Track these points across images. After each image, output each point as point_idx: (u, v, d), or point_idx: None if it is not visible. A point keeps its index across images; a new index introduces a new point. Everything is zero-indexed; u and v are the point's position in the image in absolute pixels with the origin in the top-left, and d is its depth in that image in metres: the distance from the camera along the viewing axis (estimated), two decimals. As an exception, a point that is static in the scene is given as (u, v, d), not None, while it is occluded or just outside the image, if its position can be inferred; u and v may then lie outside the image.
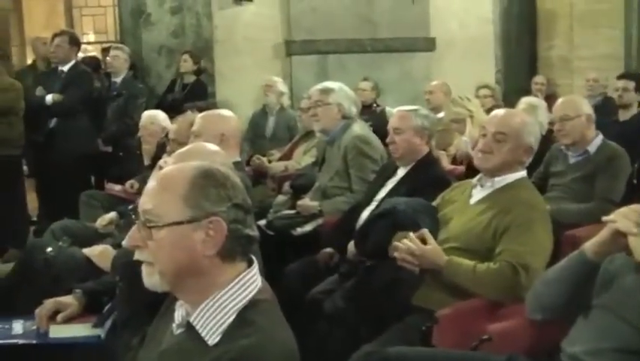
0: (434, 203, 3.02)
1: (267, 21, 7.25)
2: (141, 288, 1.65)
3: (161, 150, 4.60)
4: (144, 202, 1.57)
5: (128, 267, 2.15)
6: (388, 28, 7.32)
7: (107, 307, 2.61)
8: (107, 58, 6.69)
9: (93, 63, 7.22)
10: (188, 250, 1.52)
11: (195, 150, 2.42)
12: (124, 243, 3.28)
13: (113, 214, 4.17)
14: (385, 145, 3.82)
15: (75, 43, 6.29)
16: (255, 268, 1.61)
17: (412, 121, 3.49)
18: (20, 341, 2.53)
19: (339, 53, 7.25)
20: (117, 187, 5.03)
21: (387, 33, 7.32)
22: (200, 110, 3.63)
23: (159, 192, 1.56)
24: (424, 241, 2.68)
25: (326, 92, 4.08)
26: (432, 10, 7.43)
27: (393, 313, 2.73)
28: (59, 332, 2.56)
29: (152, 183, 1.61)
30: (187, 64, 6.67)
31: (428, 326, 2.52)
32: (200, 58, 6.81)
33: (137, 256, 1.62)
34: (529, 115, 3.42)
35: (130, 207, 4.11)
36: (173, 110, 5.29)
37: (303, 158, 5.15)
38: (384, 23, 7.32)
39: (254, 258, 1.62)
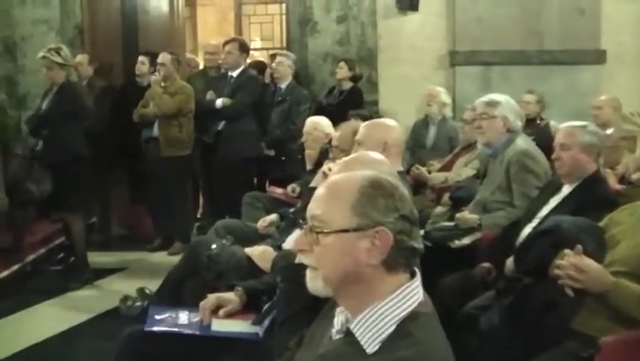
0: (600, 224, 2.88)
1: (432, 31, 7.19)
2: (302, 291, 1.69)
3: (323, 155, 4.68)
4: (313, 208, 1.60)
5: (290, 269, 2.21)
6: (556, 40, 7.05)
7: (266, 307, 2.68)
8: (273, 64, 6.90)
9: (260, 67, 7.47)
10: (352, 257, 1.54)
11: (360, 158, 2.44)
12: (284, 245, 3.41)
13: (274, 216, 4.29)
14: (549, 160, 3.71)
15: (244, 49, 6.56)
16: (418, 280, 1.60)
17: (580, 137, 3.34)
18: (185, 331, 2.64)
19: (503, 65, 7.07)
20: (279, 190, 5.16)
21: (554, 45, 7.05)
22: (364, 118, 3.67)
23: (328, 199, 1.59)
24: None
25: (492, 104, 3.99)
26: (603, 21, 7.08)
27: (551, 335, 2.63)
28: (221, 326, 2.66)
29: (321, 189, 1.63)
30: (342, 71, 6.69)
31: (590, 353, 2.40)
32: (356, 64, 6.86)
33: (302, 260, 1.65)
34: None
35: (291, 210, 4.23)
36: (327, 115, 5.36)
37: (463, 170, 5.06)
38: (552, 34, 7.06)
39: (417, 270, 1.62)
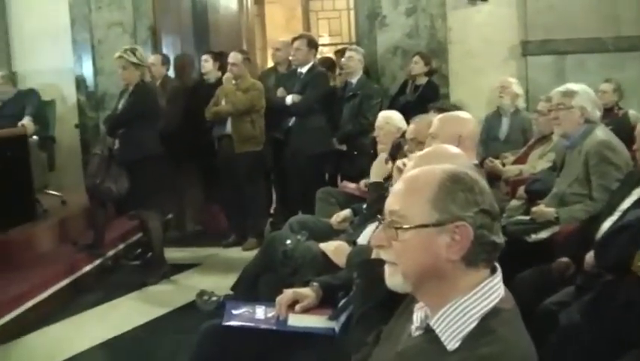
0: (687, 217, 2.78)
1: (502, 21, 7.07)
2: (378, 286, 1.68)
3: (395, 149, 4.65)
4: (391, 203, 1.59)
5: (367, 265, 2.20)
6: (634, 25, 6.83)
7: (342, 302, 2.68)
8: (342, 59, 6.90)
9: (328, 63, 7.49)
10: (432, 253, 1.52)
11: (437, 152, 2.41)
12: (359, 240, 3.41)
13: (347, 211, 4.29)
14: (629, 150, 3.60)
15: (313, 46, 6.59)
16: (499, 276, 1.57)
17: (662, 126, 3.24)
18: (262, 326, 2.66)
19: (577, 53, 6.90)
20: (351, 185, 5.16)
21: (632, 30, 6.83)
22: (441, 110, 3.61)
23: (407, 194, 1.57)
24: None
25: (568, 94, 3.89)
26: (687, 3, 6.83)
27: (635, 334, 2.55)
28: (297, 321, 2.67)
29: (399, 184, 1.62)
30: (418, 65, 6.66)
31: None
32: (432, 58, 6.80)
33: (381, 255, 1.64)
34: None
35: (365, 205, 4.21)
36: (405, 112, 5.31)
37: (538, 162, 4.95)
38: (630, 20, 6.84)
39: (497, 266, 1.59)
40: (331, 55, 8.97)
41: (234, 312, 2.76)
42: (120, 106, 5.62)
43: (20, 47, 7.65)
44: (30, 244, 5.77)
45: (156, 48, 7.41)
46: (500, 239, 1.58)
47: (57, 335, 4.61)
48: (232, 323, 2.69)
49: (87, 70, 7.55)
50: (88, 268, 5.67)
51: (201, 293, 4.60)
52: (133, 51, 5.47)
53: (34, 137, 6.35)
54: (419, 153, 2.44)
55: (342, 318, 2.58)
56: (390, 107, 5.96)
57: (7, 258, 5.34)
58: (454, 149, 2.50)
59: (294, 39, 6.61)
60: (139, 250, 6.23)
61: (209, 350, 2.67)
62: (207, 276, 5.68)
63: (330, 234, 3.98)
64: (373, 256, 2.51)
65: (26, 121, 6.36)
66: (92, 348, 4.34)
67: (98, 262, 5.80)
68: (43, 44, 7.48)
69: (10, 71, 7.32)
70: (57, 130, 7.05)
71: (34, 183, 6.06)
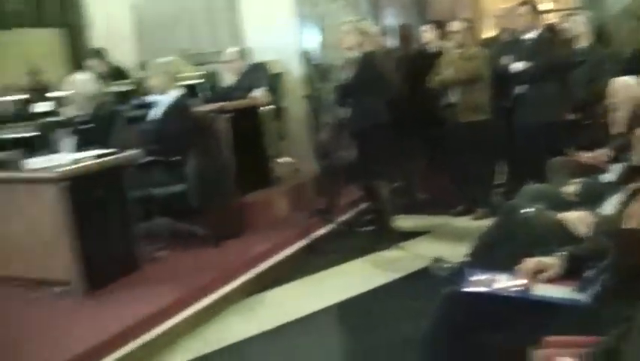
0: None
1: None
2: (635, 257, 1.64)
3: (634, 118, 4.41)
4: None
5: (623, 234, 2.15)
6: None
7: (590, 273, 2.63)
8: (565, 24, 6.65)
9: (551, 30, 7.22)
10: None
11: None
12: (602, 210, 3.31)
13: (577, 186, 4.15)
14: None
15: (538, 12, 6.39)
16: None
17: None
18: (503, 293, 2.65)
19: None
20: (586, 154, 4.99)
21: None
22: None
23: None
24: None
25: None
26: None
27: None
28: (541, 290, 2.63)
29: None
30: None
31: None
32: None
33: None
34: None
35: (600, 175, 4.07)
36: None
37: None
38: None
39: None
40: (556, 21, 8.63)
41: (474, 278, 2.79)
42: (346, 76, 5.81)
43: (250, 25, 8.10)
44: (266, 208, 6.20)
45: (377, 20, 7.56)
46: None
47: (294, 293, 4.94)
48: (472, 289, 2.71)
49: (312, 43, 7.87)
50: (321, 232, 6.00)
51: (437, 259, 4.68)
52: (360, 20, 5.68)
53: (269, 107, 6.71)
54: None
55: (591, 290, 2.52)
56: (623, 74, 5.63)
57: (247, 219, 5.79)
58: None
59: (519, 5, 6.45)
60: (369, 217, 6.41)
61: (451, 314, 2.72)
62: (437, 244, 5.74)
63: (566, 204, 3.88)
64: (625, 226, 2.43)
65: (260, 92, 6.74)
66: (326, 308, 4.59)
67: (330, 227, 6.10)
68: (270, 21, 7.87)
69: (242, 47, 7.79)
70: (286, 101, 7.42)
71: (268, 151, 6.48)
